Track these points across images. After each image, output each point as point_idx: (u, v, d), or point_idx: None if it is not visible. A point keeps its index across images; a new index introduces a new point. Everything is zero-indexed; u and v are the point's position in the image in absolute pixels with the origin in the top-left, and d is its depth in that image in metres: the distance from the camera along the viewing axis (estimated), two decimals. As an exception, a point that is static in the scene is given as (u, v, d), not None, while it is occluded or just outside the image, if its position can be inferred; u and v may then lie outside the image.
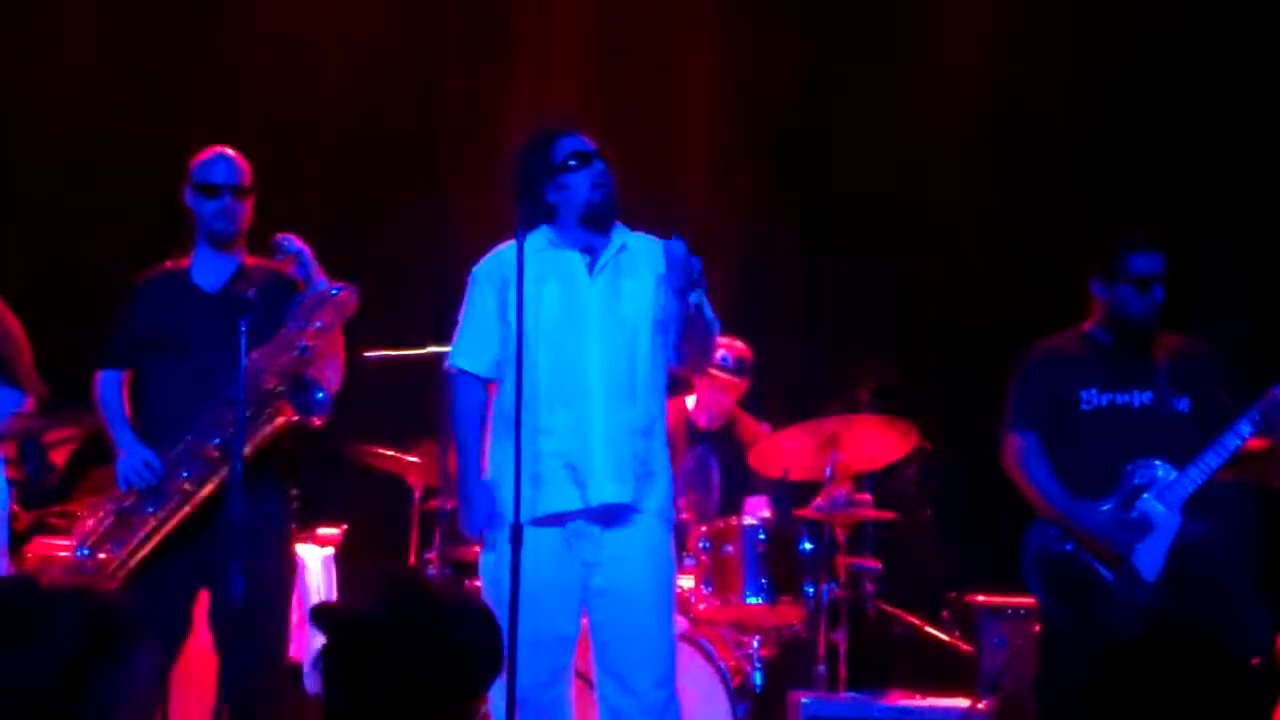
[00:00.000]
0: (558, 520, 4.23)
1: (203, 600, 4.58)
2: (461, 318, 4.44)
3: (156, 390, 4.58)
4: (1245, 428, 4.48)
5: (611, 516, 4.23)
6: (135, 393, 4.66)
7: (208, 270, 4.64)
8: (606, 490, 4.21)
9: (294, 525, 4.68)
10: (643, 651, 4.21)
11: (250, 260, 4.68)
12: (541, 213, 4.36)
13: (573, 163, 4.30)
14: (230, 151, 4.67)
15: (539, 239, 4.36)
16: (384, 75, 7.15)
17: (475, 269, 4.43)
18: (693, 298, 4.20)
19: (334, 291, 4.49)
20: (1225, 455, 4.51)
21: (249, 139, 4.86)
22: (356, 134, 6.94)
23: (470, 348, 4.38)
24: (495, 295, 4.32)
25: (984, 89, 7.01)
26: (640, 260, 4.35)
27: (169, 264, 4.70)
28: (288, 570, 4.69)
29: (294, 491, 4.64)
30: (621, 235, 4.37)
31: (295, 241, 4.50)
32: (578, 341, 4.27)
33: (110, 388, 4.62)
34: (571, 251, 4.34)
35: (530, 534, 4.05)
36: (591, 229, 4.34)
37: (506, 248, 4.29)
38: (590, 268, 4.33)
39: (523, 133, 4.52)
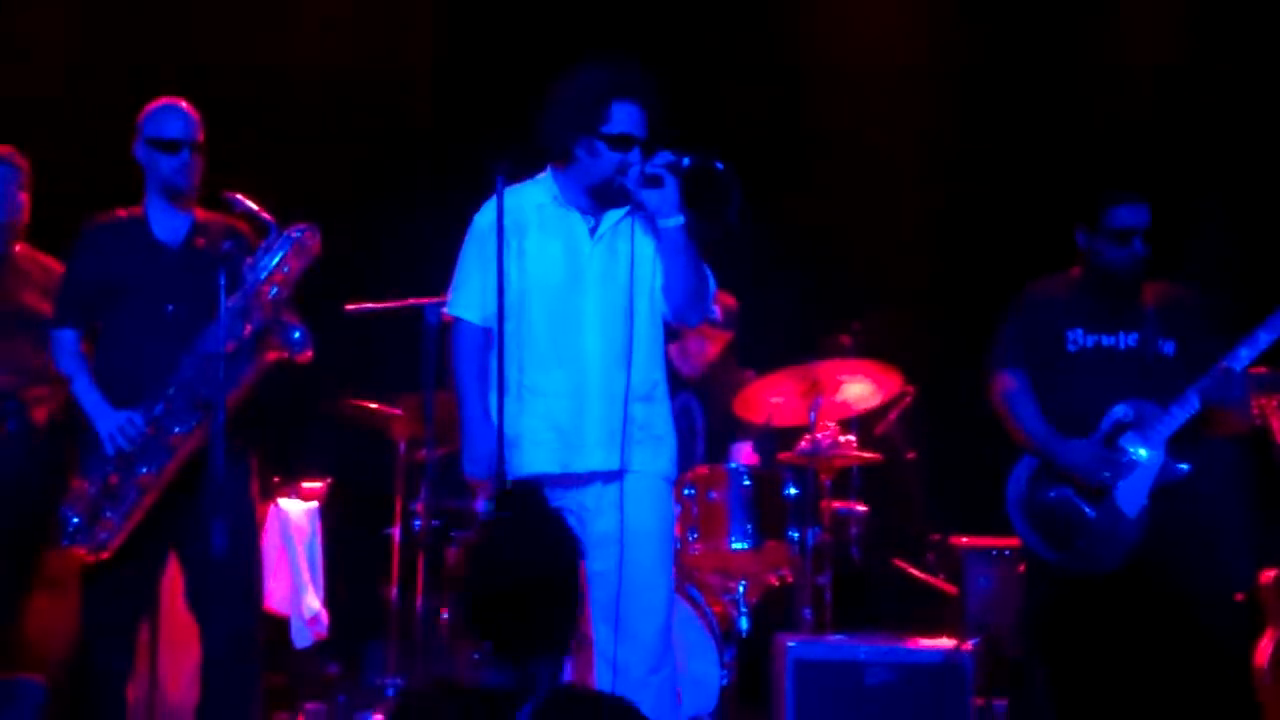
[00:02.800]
0: (547, 480, 4.18)
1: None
2: (460, 265, 4.34)
3: (116, 339, 4.55)
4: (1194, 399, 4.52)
5: (608, 477, 4.17)
6: (94, 338, 4.62)
7: (165, 223, 4.61)
8: (595, 457, 4.16)
9: (257, 483, 4.67)
10: (642, 600, 4.15)
11: (203, 214, 4.66)
12: (555, 153, 4.23)
13: (616, 133, 4.13)
14: (183, 104, 4.61)
15: (542, 190, 4.28)
16: (367, 28, 7.09)
17: (476, 217, 4.32)
18: (669, 221, 4.12)
19: (297, 234, 4.48)
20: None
21: (233, 94, 4.82)
22: (339, 86, 6.88)
23: (468, 296, 4.30)
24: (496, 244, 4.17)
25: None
26: (641, 227, 4.24)
27: (122, 212, 4.65)
28: (255, 524, 4.70)
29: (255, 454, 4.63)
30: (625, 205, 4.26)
31: (243, 200, 4.46)
32: (576, 304, 4.20)
33: (69, 351, 4.57)
34: (574, 212, 4.25)
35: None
36: (597, 200, 4.25)
37: (511, 194, 4.17)
38: (592, 232, 4.25)
39: (589, 59, 4.20)
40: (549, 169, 4.31)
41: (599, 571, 4.18)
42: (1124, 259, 4.63)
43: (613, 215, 4.26)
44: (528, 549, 2.81)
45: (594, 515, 4.18)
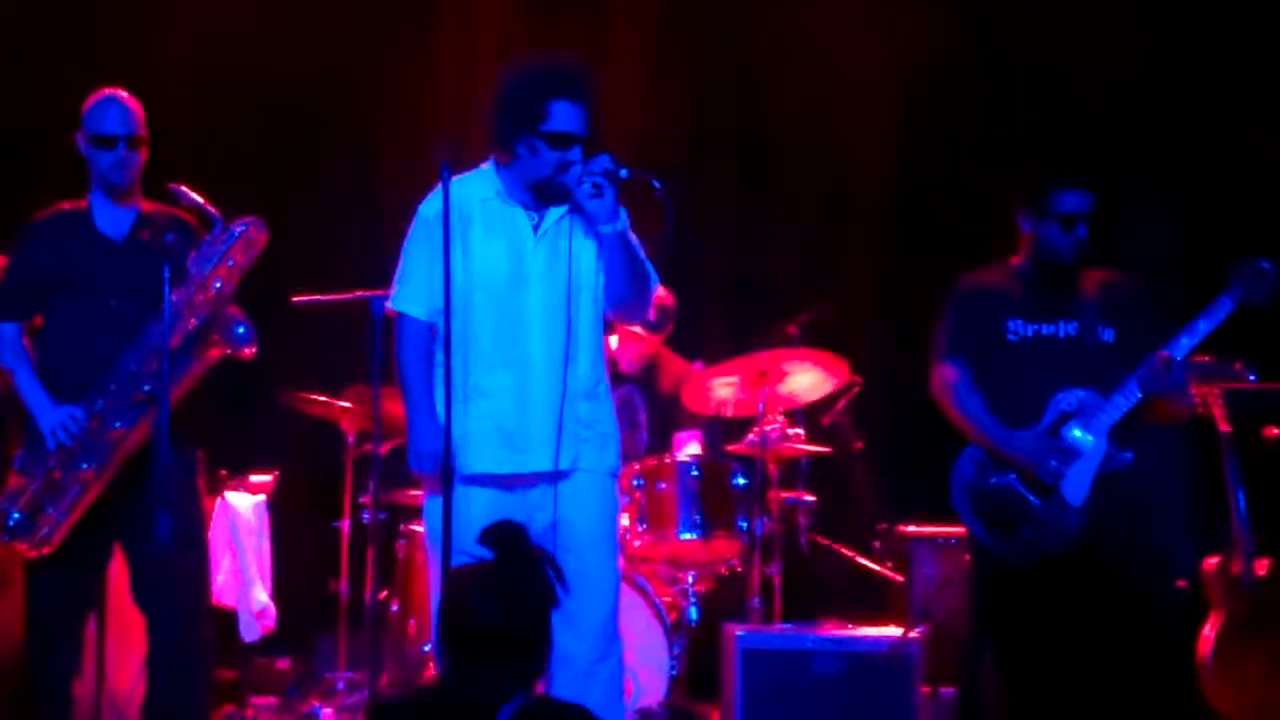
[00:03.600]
0: (493, 481, 4.18)
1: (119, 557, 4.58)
2: (404, 258, 4.29)
3: (59, 332, 4.52)
4: (1135, 388, 4.55)
5: (555, 476, 4.16)
6: (35, 332, 4.58)
7: (109, 217, 4.57)
8: (542, 457, 4.15)
9: (202, 476, 4.64)
10: (589, 592, 4.11)
11: (148, 206, 4.62)
12: (499, 149, 4.20)
13: (556, 131, 4.09)
14: (123, 95, 4.54)
15: (485, 184, 4.24)
16: (311, 20, 7.05)
17: (422, 207, 4.26)
18: (607, 228, 4.11)
19: (242, 228, 4.45)
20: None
21: (175, 84, 4.78)
22: (284, 77, 6.84)
23: (412, 290, 4.25)
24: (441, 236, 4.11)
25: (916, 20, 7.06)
26: (583, 225, 4.22)
27: (66, 205, 4.61)
28: (200, 518, 4.69)
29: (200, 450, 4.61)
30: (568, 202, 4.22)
31: (188, 193, 4.42)
32: (520, 303, 4.17)
33: (11, 344, 4.53)
34: (518, 208, 4.22)
35: (466, 492, 4.05)
36: (538, 197, 4.22)
37: (455, 185, 4.10)
38: (535, 229, 4.22)
39: (530, 56, 4.21)
40: (491, 161, 4.28)
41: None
42: (1067, 244, 4.65)
43: (555, 212, 4.23)
44: (510, 598, 2.91)
45: (541, 512, 4.16)
